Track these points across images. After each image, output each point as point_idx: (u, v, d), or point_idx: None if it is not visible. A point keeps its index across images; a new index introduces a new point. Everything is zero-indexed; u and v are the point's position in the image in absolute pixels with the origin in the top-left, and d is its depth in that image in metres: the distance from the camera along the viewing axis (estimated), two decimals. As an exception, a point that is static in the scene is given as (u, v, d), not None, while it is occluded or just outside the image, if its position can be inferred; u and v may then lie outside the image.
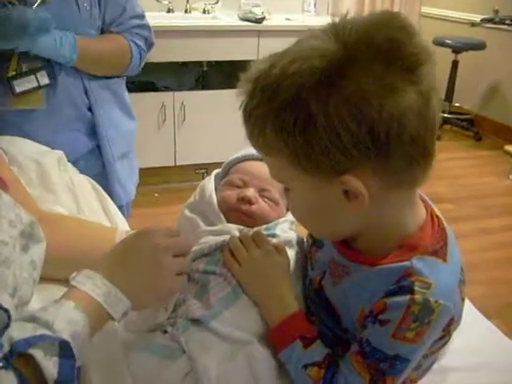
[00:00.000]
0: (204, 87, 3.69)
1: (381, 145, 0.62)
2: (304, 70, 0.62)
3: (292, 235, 0.96)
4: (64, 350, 0.62)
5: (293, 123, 0.62)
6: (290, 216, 1.00)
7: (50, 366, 0.60)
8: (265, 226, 0.94)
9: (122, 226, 1.19)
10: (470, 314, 1.00)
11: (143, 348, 0.79)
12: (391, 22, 0.64)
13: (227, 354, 0.80)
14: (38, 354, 0.59)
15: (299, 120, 0.62)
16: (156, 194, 3.32)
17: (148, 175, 3.05)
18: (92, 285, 0.71)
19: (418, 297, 0.68)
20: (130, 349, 0.79)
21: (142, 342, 0.81)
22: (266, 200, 0.97)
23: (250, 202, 0.95)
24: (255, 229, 0.93)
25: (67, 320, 0.64)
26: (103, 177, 1.55)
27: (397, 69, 0.61)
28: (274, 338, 0.83)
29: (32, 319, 0.64)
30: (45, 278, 0.88)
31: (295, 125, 0.62)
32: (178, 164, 3.46)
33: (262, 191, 0.97)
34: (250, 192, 0.96)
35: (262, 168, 0.99)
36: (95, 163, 1.56)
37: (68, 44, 1.35)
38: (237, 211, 0.95)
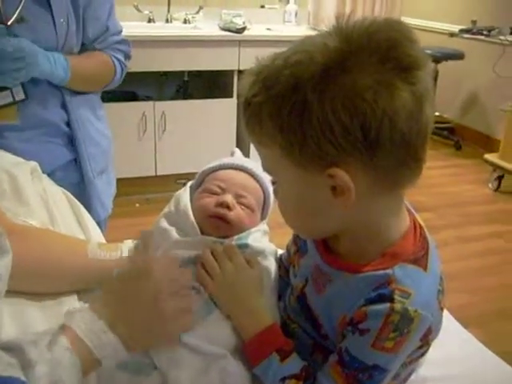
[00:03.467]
0: (185, 97, 3.70)
1: (371, 140, 0.62)
2: (305, 61, 0.64)
3: (265, 245, 0.96)
4: None
5: (289, 110, 0.64)
6: (262, 226, 1.00)
7: None
8: (236, 237, 0.93)
9: (97, 238, 1.18)
10: (448, 323, 0.99)
11: (114, 364, 0.77)
12: (393, 26, 0.66)
13: (200, 369, 0.78)
14: None
15: (295, 108, 0.64)
16: (137, 205, 3.30)
17: (128, 185, 3.03)
18: (88, 331, 0.68)
19: (397, 306, 0.68)
20: (100, 365, 0.77)
21: (113, 358, 0.79)
22: (242, 207, 0.97)
23: (228, 207, 0.94)
24: (227, 240, 0.92)
25: (54, 364, 0.61)
26: (81, 189, 1.54)
27: (393, 67, 0.62)
28: (249, 352, 0.82)
29: (17, 350, 0.60)
30: (13, 292, 0.87)
31: (291, 112, 0.64)
32: (158, 174, 3.44)
33: (238, 197, 0.97)
34: (228, 198, 0.95)
35: (238, 175, 1.00)
36: (73, 175, 1.54)
37: (60, 64, 1.37)
38: (214, 217, 0.94)
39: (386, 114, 0.62)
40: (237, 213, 0.95)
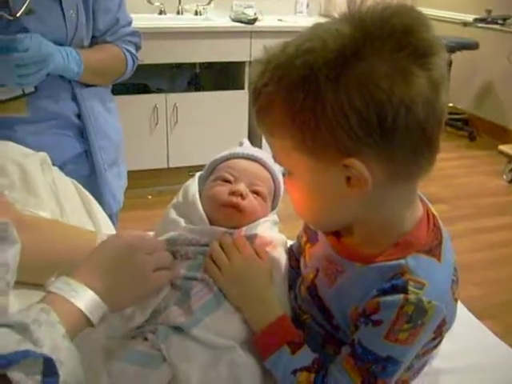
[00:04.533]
0: (196, 89, 3.69)
1: (387, 129, 0.61)
2: (317, 49, 0.62)
3: (274, 235, 0.95)
4: (48, 367, 0.59)
5: (302, 100, 0.62)
6: (272, 216, 0.98)
7: None
8: (245, 228, 0.92)
9: (107, 230, 1.17)
10: (462, 315, 0.98)
11: (123, 356, 0.77)
12: (407, 12, 0.64)
13: (209, 362, 0.77)
14: (16, 375, 0.56)
15: (308, 97, 0.62)
16: (149, 197, 3.30)
17: (141, 177, 3.04)
18: (75, 293, 0.69)
19: (411, 296, 0.67)
20: (109, 357, 0.77)
21: (122, 350, 0.78)
22: (255, 196, 0.96)
23: (241, 195, 0.93)
24: (236, 231, 0.91)
25: (54, 346, 0.62)
26: (92, 182, 1.54)
27: (409, 53, 0.61)
28: (259, 345, 0.81)
29: (22, 329, 0.61)
30: (24, 283, 0.87)
31: (304, 102, 0.62)
32: (170, 166, 3.44)
33: (251, 186, 0.96)
34: (242, 186, 0.94)
35: (249, 165, 0.99)
36: (84, 167, 1.54)
37: (73, 59, 1.37)
38: (227, 206, 0.93)
39: (403, 101, 0.60)
40: (250, 201, 0.94)
